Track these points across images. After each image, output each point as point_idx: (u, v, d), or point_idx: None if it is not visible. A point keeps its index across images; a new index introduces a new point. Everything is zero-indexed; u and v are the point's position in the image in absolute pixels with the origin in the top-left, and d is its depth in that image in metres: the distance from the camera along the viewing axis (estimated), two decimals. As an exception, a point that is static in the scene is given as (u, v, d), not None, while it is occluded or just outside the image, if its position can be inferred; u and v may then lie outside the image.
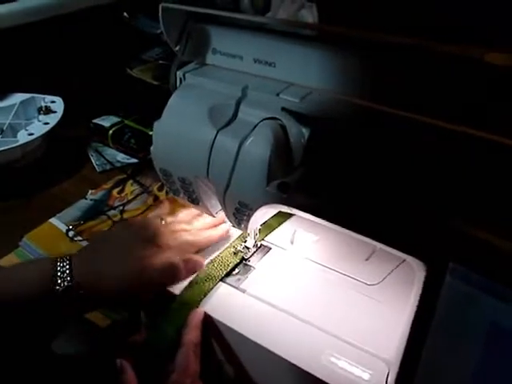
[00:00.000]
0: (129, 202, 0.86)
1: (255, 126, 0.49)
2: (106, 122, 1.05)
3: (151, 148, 0.57)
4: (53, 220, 0.82)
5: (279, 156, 0.48)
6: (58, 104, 1.01)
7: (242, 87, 0.52)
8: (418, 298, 0.44)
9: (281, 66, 0.52)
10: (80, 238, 0.79)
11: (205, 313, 0.58)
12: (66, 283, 0.55)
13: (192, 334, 0.55)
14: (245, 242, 0.66)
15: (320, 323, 0.56)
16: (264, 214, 0.56)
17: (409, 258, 0.44)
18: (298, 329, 0.56)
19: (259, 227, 0.65)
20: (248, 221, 0.54)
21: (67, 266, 0.57)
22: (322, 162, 0.46)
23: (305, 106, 0.48)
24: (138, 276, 0.58)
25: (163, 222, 0.65)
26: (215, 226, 0.68)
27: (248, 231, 0.58)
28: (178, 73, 0.57)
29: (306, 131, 0.48)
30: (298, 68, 0.50)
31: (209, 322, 0.58)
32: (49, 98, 1.03)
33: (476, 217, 0.40)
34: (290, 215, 0.72)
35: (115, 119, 1.05)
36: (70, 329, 0.64)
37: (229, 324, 0.57)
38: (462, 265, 0.40)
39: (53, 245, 0.78)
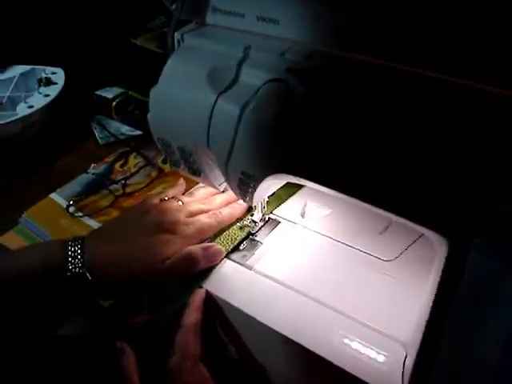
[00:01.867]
0: (132, 175, 0.82)
1: (258, 89, 0.45)
2: (109, 93, 1.00)
3: (148, 116, 0.53)
4: (53, 195, 0.79)
5: (284, 121, 0.43)
6: (59, 75, 0.98)
7: (243, 47, 0.48)
8: (438, 275, 0.40)
9: (285, 23, 0.47)
10: (81, 214, 0.75)
11: (207, 291, 0.55)
12: (77, 269, 0.53)
13: (192, 315, 0.52)
14: (251, 215, 0.62)
15: (332, 302, 0.53)
16: (270, 185, 0.52)
17: (429, 233, 0.40)
18: (308, 308, 0.52)
19: (267, 199, 0.61)
20: (253, 193, 0.50)
21: (79, 251, 0.54)
22: (331, 125, 0.42)
23: (311, 65, 0.44)
24: (153, 264, 0.55)
25: (180, 203, 0.61)
26: (236, 200, 0.64)
27: (254, 204, 0.54)
28: (175, 34, 0.53)
29: (313, 92, 0.43)
30: (304, 24, 0.46)
31: (212, 301, 0.55)
32: (49, 69, 0.99)
33: (501, 187, 0.36)
34: (301, 186, 0.68)
35: (119, 90, 1.01)
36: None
37: (233, 303, 0.53)
38: (487, 240, 0.36)
39: (53, 221, 0.74)
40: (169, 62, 0.51)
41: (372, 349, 0.48)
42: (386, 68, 0.41)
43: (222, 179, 0.54)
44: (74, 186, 0.81)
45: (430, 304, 0.42)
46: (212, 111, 0.47)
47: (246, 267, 0.57)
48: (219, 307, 0.55)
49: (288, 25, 0.47)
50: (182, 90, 0.50)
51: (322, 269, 0.57)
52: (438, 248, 0.41)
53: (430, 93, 0.39)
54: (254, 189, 0.49)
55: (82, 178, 0.83)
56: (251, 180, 0.48)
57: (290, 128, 0.43)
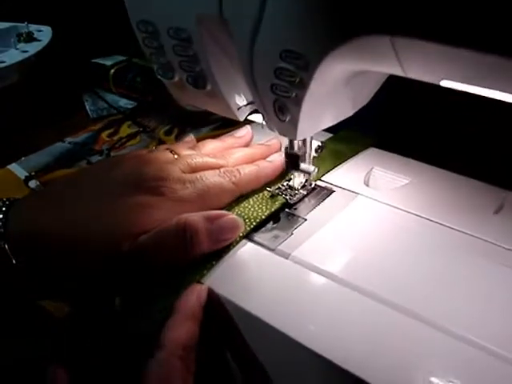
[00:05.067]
0: (121, 143, 0.60)
1: None
2: (108, 61, 0.82)
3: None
4: (12, 166, 0.58)
5: None
6: (45, 33, 0.78)
7: None
8: None
9: None
10: (44, 190, 0.54)
11: (210, 291, 0.33)
12: None
13: (180, 330, 0.30)
14: (289, 179, 0.40)
15: (420, 311, 0.30)
16: (331, 91, 0.29)
17: None
18: (381, 320, 0.30)
19: (314, 154, 0.39)
20: (300, 104, 0.28)
21: (0, 216, 0.36)
22: None
23: None
24: (117, 240, 0.33)
25: (175, 157, 0.39)
26: (264, 157, 0.42)
27: (299, 137, 0.31)
28: None
29: None
30: None
31: (217, 306, 0.32)
32: (34, 26, 0.79)
33: None
34: (365, 145, 0.46)
35: (120, 58, 0.81)
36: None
37: (254, 311, 0.31)
38: None
39: (4, 196, 0.53)
40: None
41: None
42: None
43: (243, 97, 0.32)
44: (43, 156, 0.60)
45: None
46: None
47: (279, 254, 0.35)
48: (230, 317, 0.32)
49: None
50: None
51: (402, 260, 0.34)
52: None
53: None
54: (304, 86, 0.26)
55: (55, 148, 0.62)
56: (298, 69, 0.26)
57: None
